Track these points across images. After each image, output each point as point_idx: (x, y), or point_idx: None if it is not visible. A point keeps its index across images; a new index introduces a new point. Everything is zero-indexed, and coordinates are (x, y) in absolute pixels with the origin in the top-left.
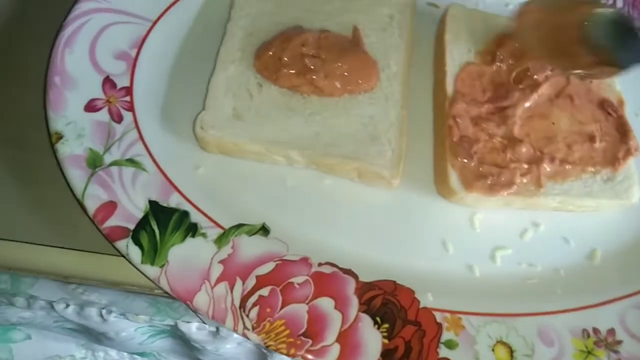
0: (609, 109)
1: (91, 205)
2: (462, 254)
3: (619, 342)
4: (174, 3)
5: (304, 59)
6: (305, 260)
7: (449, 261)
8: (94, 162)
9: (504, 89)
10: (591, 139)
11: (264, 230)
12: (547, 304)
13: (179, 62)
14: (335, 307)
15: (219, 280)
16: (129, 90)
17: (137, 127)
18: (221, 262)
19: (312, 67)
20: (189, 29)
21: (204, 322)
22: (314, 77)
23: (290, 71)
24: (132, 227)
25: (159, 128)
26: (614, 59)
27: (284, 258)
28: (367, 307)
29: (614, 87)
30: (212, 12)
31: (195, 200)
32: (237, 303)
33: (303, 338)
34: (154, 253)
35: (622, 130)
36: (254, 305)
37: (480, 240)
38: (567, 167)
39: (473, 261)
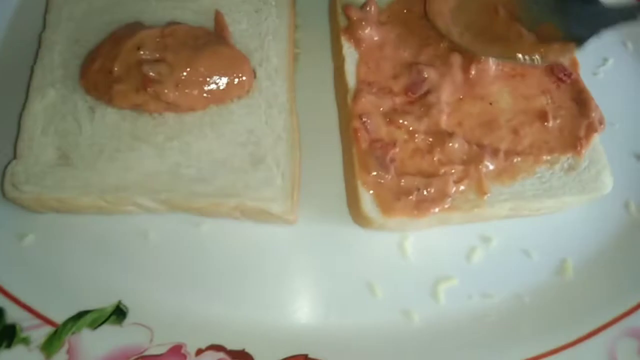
0: (560, 73)
1: None
2: (394, 296)
3: None
4: None
5: (142, 66)
6: (176, 351)
7: (378, 310)
8: None
9: (418, 63)
10: (542, 116)
11: (119, 313)
12: (513, 350)
13: None
14: None
15: None
16: None
17: None
18: None
19: (154, 76)
20: None
21: None
22: (161, 90)
23: (125, 86)
24: None
25: None
26: (565, 34)
27: (146, 353)
28: None
29: None
30: (23, 23)
31: (15, 287)
32: None
33: None
34: None
35: (580, 99)
36: None
37: (416, 273)
38: (515, 160)
39: (410, 304)
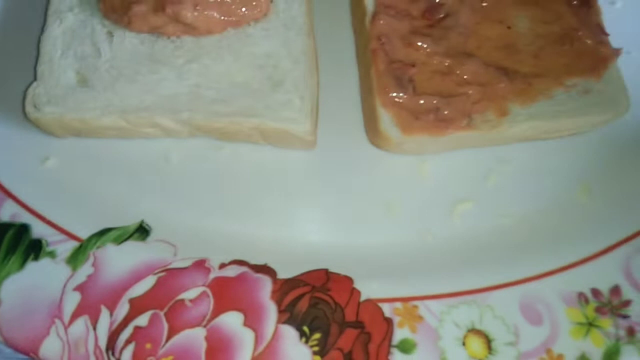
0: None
1: None
2: (411, 215)
3: (628, 303)
4: None
5: None
6: (200, 264)
7: (395, 228)
8: None
9: None
10: (560, 40)
11: (142, 231)
12: (528, 267)
13: (0, 20)
14: (245, 324)
15: (75, 315)
16: None
17: None
18: (78, 288)
19: None
20: None
21: None
22: (179, 10)
23: (144, 8)
24: None
25: None
26: None
27: (170, 267)
28: (289, 314)
29: None
30: None
31: (39, 206)
32: (103, 343)
33: None
34: None
35: (597, 25)
36: (128, 342)
37: (433, 195)
38: (533, 82)
39: (426, 223)
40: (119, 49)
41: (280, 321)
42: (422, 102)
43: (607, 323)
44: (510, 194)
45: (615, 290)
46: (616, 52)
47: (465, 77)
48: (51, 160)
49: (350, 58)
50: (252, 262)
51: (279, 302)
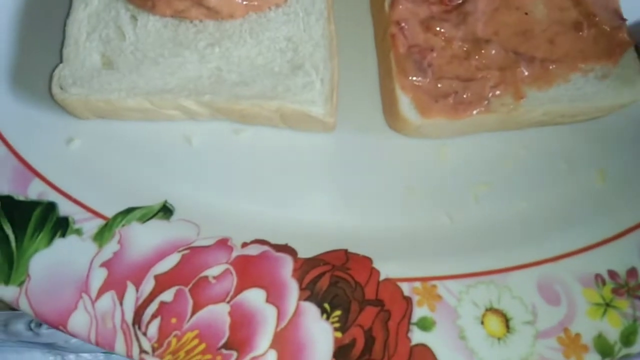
0: None
1: None
2: (429, 197)
3: None
4: None
5: None
6: (223, 243)
7: (414, 210)
8: None
9: None
10: (577, 27)
11: (166, 210)
12: (546, 249)
13: (27, 3)
14: (268, 301)
15: (102, 291)
16: None
17: None
18: (104, 264)
19: None
20: None
21: None
22: None
23: None
24: None
25: (9, 96)
26: None
27: (193, 245)
28: (310, 292)
29: None
30: None
31: (65, 185)
32: (129, 318)
33: (225, 351)
34: (8, 267)
35: (614, 10)
36: (154, 317)
37: (452, 178)
38: (550, 67)
39: (444, 206)
40: (143, 33)
41: (301, 298)
42: (440, 85)
43: (624, 304)
44: (527, 178)
45: (632, 272)
46: (632, 38)
47: (483, 61)
48: (76, 141)
49: (369, 42)
50: (273, 241)
51: (300, 280)
